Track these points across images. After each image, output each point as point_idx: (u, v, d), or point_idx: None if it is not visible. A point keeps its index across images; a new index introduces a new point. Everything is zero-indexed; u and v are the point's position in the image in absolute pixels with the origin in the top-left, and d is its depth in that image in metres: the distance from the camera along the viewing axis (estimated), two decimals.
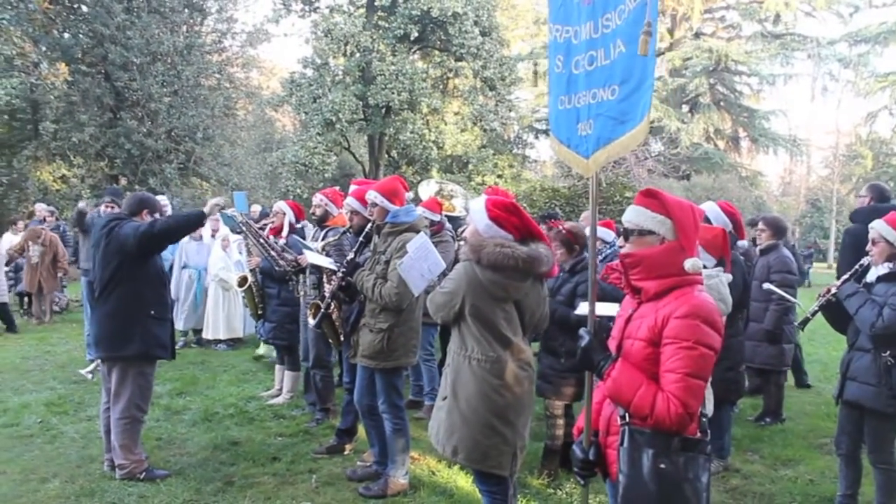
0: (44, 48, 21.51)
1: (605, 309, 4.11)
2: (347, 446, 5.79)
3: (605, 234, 6.36)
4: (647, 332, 2.61)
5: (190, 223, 5.23)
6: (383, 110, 24.38)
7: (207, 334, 10.21)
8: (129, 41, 21.11)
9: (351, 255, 4.98)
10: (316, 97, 23.49)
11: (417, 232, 4.58)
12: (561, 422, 5.31)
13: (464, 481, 5.05)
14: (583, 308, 4.80)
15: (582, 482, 2.95)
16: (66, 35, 21.89)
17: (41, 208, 13.59)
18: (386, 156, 26.85)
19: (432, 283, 4.51)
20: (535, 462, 5.38)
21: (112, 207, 8.26)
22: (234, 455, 5.66)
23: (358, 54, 23.63)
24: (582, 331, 2.83)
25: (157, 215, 5.32)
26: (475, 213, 3.64)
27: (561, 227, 5.28)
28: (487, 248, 3.49)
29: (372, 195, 4.80)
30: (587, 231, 5.27)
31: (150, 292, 5.15)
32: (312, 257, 5.42)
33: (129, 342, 5.05)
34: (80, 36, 21.32)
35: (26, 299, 12.94)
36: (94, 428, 6.07)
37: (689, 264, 2.63)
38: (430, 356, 6.99)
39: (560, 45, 3.16)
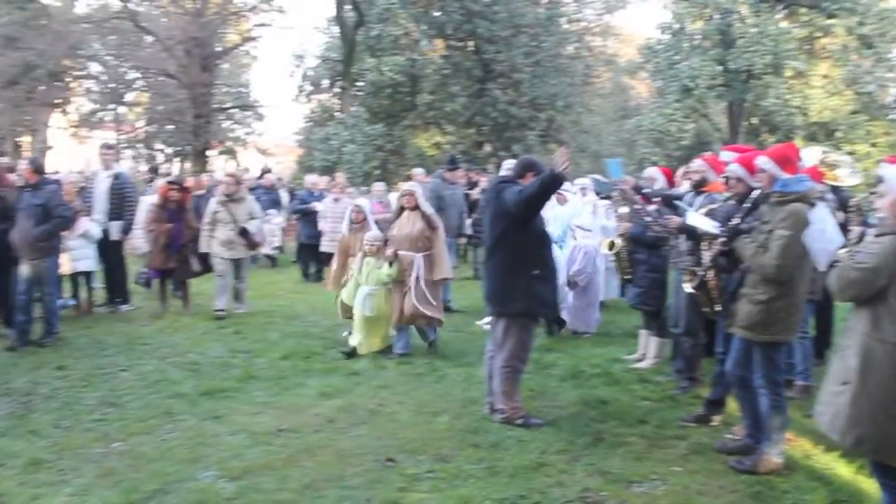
0: (424, 27, 23.74)
1: None
2: (715, 417, 5.64)
3: None
4: None
5: (554, 182, 5.18)
6: (744, 75, 22.94)
7: None
8: (495, 15, 22.45)
9: (736, 221, 4.80)
10: (672, 63, 22.93)
11: (808, 203, 4.32)
12: None
13: (844, 469, 4.68)
14: None
15: None
16: (440, 13, 23.89)
17: (418, 173, 14.87)
18: (745, 123, 25.31)
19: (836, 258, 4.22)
20: None
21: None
22: (603, 413, 5.83)
23: (717, 17, 22.53)
24: None
25: None
26: (894, 180, 3.32)
27: None
28: None
29: (762, 161, 4.60)
30: None
31: (533, 253, 5.41)
32: (694, 219, 5.32)
33: (513, 300, 5.38)
34: (453, 13, 23.12)
35: None
36: (473, 373, 6.61)
37: None
38: (805, 333, 6.50)
39: None
